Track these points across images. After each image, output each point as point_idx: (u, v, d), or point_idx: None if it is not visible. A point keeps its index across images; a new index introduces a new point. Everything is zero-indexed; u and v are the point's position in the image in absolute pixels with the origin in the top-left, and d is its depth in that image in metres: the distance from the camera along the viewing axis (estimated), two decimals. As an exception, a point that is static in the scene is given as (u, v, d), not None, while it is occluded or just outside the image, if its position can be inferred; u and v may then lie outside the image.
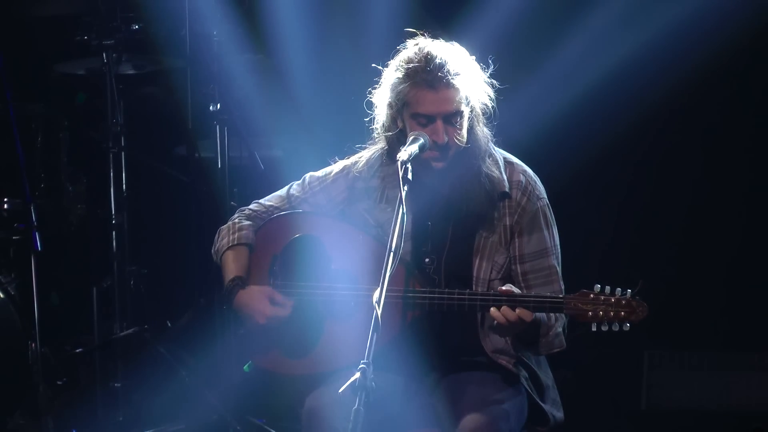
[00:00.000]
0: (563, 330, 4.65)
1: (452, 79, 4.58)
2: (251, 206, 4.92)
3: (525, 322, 4.47)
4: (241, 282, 4.74)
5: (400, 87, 4.62)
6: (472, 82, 4.63)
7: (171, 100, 7.58)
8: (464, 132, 4.64)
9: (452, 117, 4.61)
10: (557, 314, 4.61)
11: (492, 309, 4.47)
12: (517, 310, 4.46)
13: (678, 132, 7.18)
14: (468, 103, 4.63)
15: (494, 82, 4.72)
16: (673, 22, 6.83)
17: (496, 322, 4.48)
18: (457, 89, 4.59)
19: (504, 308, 4.47)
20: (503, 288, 4.51)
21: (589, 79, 6.94)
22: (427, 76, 4.58)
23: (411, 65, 4.60)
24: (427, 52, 4.60)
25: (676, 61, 6.91)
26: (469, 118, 4.65)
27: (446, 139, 4.61)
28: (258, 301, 4.69)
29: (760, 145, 7.08)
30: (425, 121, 4.61)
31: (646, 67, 6.96)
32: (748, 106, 7.09)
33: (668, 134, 7.19)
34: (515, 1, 6.97)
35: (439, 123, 4.60)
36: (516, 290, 4.52)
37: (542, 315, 4.57)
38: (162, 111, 7.77)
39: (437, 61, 4.58)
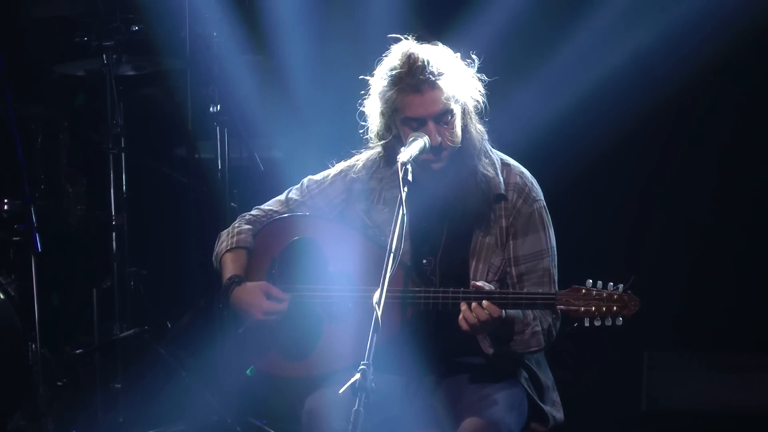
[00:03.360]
0: (548, 329, 4.64)
1: (437, 79, 4.59)
2: (252, 212, 4.93)
3: (495, 319, 4.47)
4: (238, 279, 4.74)
5: (388, 94, 4.63)
6: (458, 80, 4.64)
7: (171, 101, 7.58)
8: (458, 131, 4.65)
9: (442, 116, 4.62)
10: (536, 313, 4.61)
11: (463, 307, 4.48)
12: (485, 305, 4.47)
13: (677, 133, 7.19)
14: (457, 101, 4.63)
15: (484, 76, 4.72)
16: (672, 24, 6.83)
17: (466, 321, 4.48)
18: (442, 89, 4.59)
19: (475, 306, 4.47)
20: (476, 284, 4.51)
21: (586, 81, 6.95)
22: (411, 80, 4.59)
23: (395, 72, 4.62)
24: (409, 55, 4.61)
25: (673, 63, 6.91)
26: (461, 116, 4.66)
27: (440, 139, 4.61)
28: (254, 296, 4.69)
29: (761, 146, 7.08)
30: (416, 124, 4.62)
31: (643, 69, 6.96)
32: (749, 107, 7.09)
33: (667, 135, 7.19)
34: (512, 4, 6.97)
35: (431, 124, 4.61)
36: (488, 286, 4.52)
37: (517, 312, 4.57)
38: (162, 112, 7.78)
39: (419, 63, 4.58)
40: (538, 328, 4.63)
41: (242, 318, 4.72)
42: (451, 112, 4.62)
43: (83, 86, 7.53)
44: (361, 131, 4.79)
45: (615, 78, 6.94)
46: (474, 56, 4.72)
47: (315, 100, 7.29)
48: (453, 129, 4.64)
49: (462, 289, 4.54)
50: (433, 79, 4.58)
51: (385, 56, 4.68)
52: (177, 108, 7.53)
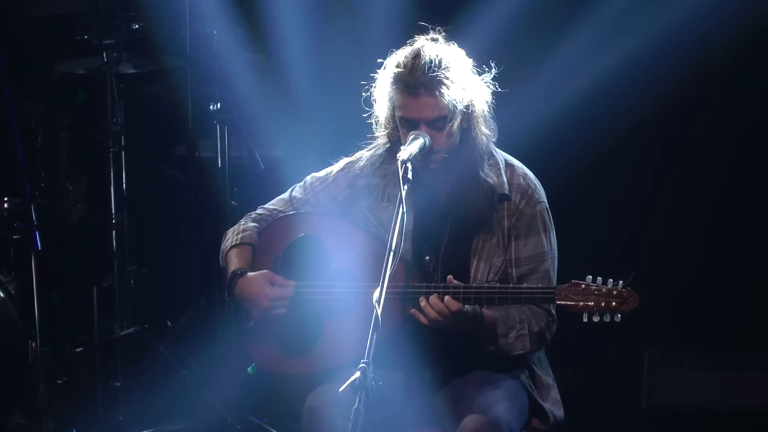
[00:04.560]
0: (539, 332, 4.63)
1: (436, 85, 4.55)
2: (257, 210, 4.93)
3: (454, 314, 4.44)
4: (241, 272, 4.74)
5: (389, 89, 4.64)
6: (462, 87, 4.60)
7: (171, 99, 7.58)
8: (454, 136, 4.62)
9: (436, 122, 4.60)
10: (526, 316, 4.60)
11: (420, 300, 4.47)
12: (445, 299, 4.45)
13: (678, 132, 7.19)
14: (455, 108, 4.59)
15: (496, 84, 4.70)
16: (673, 22, 6.83)
17: (424, 316, 4.47)
18: (439, 95, 4.56)
19: (432, 299, 4.46)
20: (453, 280, 4.50)
21: (588, 80, 6.94)
22: (409, 80, 4.57)
23: (398, 69, 4.60)
24: (415, 56, 4.59)
25: (676, 62, 6.91)
26: (461, 121, 4.63)
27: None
28: (259, 285, 4.69)
29: (761, 146, 7.08)
30: (409, 125, 4.62)
31: (646, 68, 6.96)
32: (749, 106, 7.09)
33: (668, 134, 7.19)
34: (514, 2, 6.96)
35: (423, 127, 4.60)
36: (455, 281, 4.52)
37: (500, 314, 4.57)
38: (162, 110, 7.78)
39: (421, 66, 4.55)
40: (525, 332, 4.62)
41: (249, 310, 4.71)
42: (445, 118, 4.60)
43: (84, 84, 7.53)
44: (365, 115, 4.78)
45: (615, 78, 6.93)
46: (492, 64, 4.71)
47: (315, 98, 7.29)
48: (447, 135, 4.61)
49: (462, 284, 4.54)
50: (432, 84, 4.55)
51: (402, 48, 4.67)
52: (177, 106, 7.53)
